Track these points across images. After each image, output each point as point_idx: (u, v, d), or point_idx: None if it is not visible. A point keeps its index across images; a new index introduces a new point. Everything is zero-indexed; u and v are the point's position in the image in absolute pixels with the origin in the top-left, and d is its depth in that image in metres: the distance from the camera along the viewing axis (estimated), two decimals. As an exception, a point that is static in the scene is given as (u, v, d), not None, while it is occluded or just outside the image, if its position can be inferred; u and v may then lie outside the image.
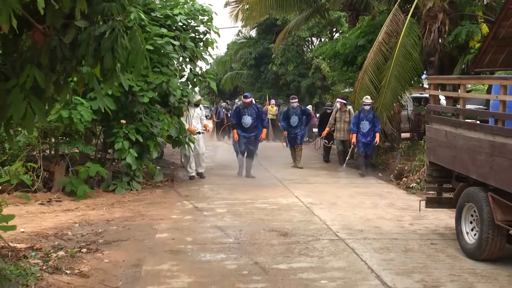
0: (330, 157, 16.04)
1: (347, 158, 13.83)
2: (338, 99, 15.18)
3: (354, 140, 13.32)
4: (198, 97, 12.90)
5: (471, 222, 6.31)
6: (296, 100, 14.94)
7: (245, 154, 12.68)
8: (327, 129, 15.04)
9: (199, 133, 12.48)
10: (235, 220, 8.14)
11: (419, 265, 5.88)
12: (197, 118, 12.74)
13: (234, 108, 13.55)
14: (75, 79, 4.47)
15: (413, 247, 6.62)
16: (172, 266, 5.85)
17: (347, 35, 15.93)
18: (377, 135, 13.21)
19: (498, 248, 5.83)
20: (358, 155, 13.93)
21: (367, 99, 13.04)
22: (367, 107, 13.02)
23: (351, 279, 5.42)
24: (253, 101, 12.77)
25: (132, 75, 4.32)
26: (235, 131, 12.77)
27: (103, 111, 4.99)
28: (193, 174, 12.45)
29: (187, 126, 12.07)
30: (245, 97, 12.85)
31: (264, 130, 12.98)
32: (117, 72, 4.17)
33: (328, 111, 16.56)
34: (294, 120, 14.57)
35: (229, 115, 27.09)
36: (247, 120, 12.53)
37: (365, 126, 13.13)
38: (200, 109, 12.91)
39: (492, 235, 5.76)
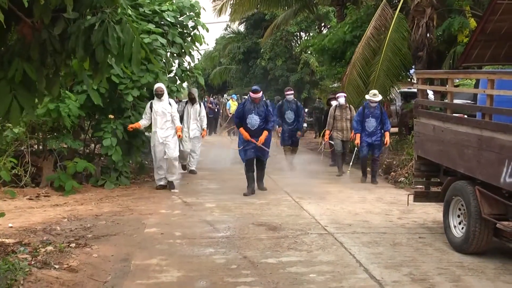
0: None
1: (351, 163, 11.89)
2: (339, 94, 12.83)
3: (358, 140, 11.31)
4: (157, 85, 10.14)
5: (458, 216, 6.36)
6: (292, 92, 13.26)
7: (253, 165, 10.06)
8: (327, 132, 12.69)
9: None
10: (224, 215, 8.14)
11: (407, 258, 5.92)
12: (164, 115, 10.10)
13: (238, 105, 10.69)
14: (63, 72, 4.44)
15: (401, 241, 6.66)
16: (161, 260, 5.85)
17: (335, 30, 15.95)
18: (387, 134, 11.30)
19: (485, 241, 5.89)
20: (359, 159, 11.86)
21: (376, 96, 11.16)
22: (374, 104, 11.16)
23: (340, 272, 5.44)
24: (263, 96, 10.13)
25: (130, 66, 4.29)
26: (242, 129, 9.85)
27: (95, 103, 4.98)
28: (162, 182, 10.28)
29: (140, 122, 10.22)
30: (255, 91, 9.80)
31: (265, 133, 9.85)
32: (107, 65, 4.15)
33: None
34: (290, 115, 12.95)
35: (216, 110, 27.15)
36: (254, 120, 9.71)
37: (371, 124, 11.21)
38: (170, 104, 10.22)
39: (479, 228, 5.81)
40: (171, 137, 10.12)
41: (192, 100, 12.42)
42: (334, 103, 12.91)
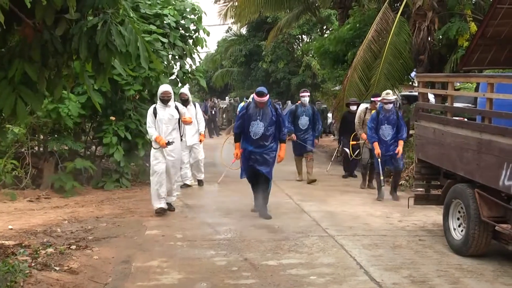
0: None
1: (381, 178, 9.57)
2: (375, 98, 10.80)
3: (378, 150, 9.52)
4: (163, 88, 8.41)
5: (458, 219, 6.38)
6: (308, 94, 11.66)
7: (257, 180, 8.35)
8: (363, 136, 10.65)
9: (168, 143, 8.11)
10: (225, 217, 8.16)
11: (407, 261, 5.94)
12: (170, 123, 8.29)
13: (239, 110, 8.76)
14: (64, 73, 4.48)
15: (402, 244, 6.67)
16: (162, 262, 5.86)
17: (338, 32, 16.01)
18: (401, 143, 9.58)
19: (484, 243, 5.91)
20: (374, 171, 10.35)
21: (389, 95, 9.63)
22: (390, 106, 9.58)
23: (340, 275, 5.46)
24: (270, 100, 8.27)
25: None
26: (237, 145, 8.24)
27: (96, 105, 5.01)
28: (162, 205, 8.29)
29: (154, 136, 8.22)
30: (260, 94, 7.97)
31: (283, 146, 8.32)
32: (110, 66, 4.19)
33: (352, 110, 12.34)
34: (304, 121, 11.48)
35: (213, 112, 27.24)
36: (258, 127, 8.05)
37: (387, 131, 9.58)
38: (177, 109, 8.46)
39: (479, 231, 5.83)
40: (177, 149, 8.42)
41: (185, 102, 10.51)
42: (363, 105, 11.40)
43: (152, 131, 8.23)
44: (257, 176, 8.25)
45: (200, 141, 11.06)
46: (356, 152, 11.68)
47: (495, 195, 5.69)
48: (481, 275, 5.47)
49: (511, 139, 5.28)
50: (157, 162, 8.24)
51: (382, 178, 9.55)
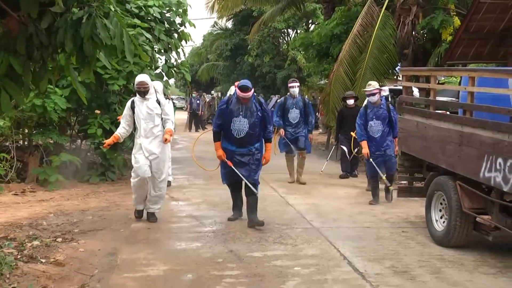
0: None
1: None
2: (384, 87, 10.10)
3: (366, 150, 8.66)
4: (139, 78, 7.34)
5: (440, 210, 6.48)
6: (297, 84, 10.64)
7: (240, 185, 7.50)
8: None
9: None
10: (210, 210, 8.20)
11: (390, 252, 6.03)
12: (150, 119, 7.18)
13: (219, 104, 7.59)
14: (50, 66, 4.48)
15: (385, 235, 6.76)
16: (148, 254, 5.89)
17: (323, 26, 16.07)
18: (396, 141, 8.64)
19: (465, 234, 6.02)
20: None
21: (370, 86, 8.73)
22: (374, 99, 8.63)
23: (324, 265, 5.53)
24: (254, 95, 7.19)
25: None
26: (217, 144, 7.19)
27: (81, 97, 5.01)
28: (142, 207, 7.54)
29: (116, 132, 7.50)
30: (243, 88, 6.85)
31: (269, 146, 7.31)
32: (95, 59, 4.21)
33: (349, 104, 11.75)
34: (295, 114, 10.47)
35: (199, 105, 27.14)
36: (241, 124, 7.00)
37: (376, 128, 8.69)
38: (159, 102, 7.28)
39: (460, 222, 5.94)
40: (160, 150, 7.26)
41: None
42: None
43: (119, 129, 7.43)
44: (240, 182, 7.38)
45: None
46: (356, 151, 10.81)
47: (476, 187, 5.80)
48: (462, 265, 5.58)
49: (492, 132, 5.38)
50: (136, 166, 7.20)
51: (384, 178, 8.69)
